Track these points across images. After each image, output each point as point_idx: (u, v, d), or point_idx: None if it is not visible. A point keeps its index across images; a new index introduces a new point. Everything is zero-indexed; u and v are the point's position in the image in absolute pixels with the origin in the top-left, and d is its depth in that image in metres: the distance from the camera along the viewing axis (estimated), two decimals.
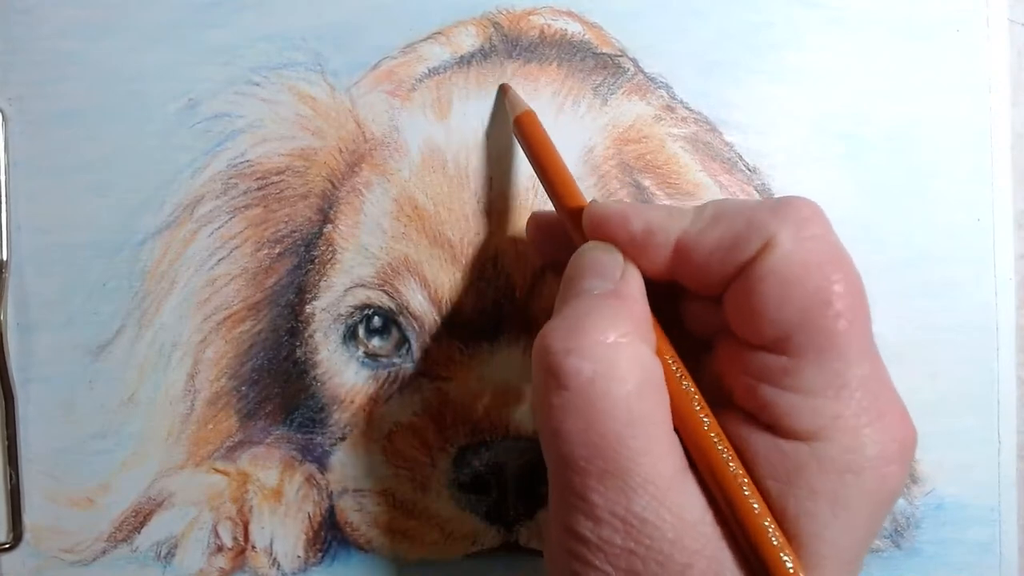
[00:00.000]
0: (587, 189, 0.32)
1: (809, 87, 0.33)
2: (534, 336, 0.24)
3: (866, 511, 0.22)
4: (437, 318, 0.32)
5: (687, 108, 0.32)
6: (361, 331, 0.32)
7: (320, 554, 0.32)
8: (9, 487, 0.31)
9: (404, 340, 0.32)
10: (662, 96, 0.32)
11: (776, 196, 0.33)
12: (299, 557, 0.32)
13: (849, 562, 0.23)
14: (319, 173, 0.31)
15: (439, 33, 0.32)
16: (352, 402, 0.32)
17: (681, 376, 0.24)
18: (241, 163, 0.31)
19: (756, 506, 0.22)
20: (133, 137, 0.31)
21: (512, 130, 0.31)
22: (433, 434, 0.31)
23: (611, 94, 0.32)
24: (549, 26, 0.32)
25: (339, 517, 0.32)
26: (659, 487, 0.22)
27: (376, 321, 0.32)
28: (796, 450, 0.22)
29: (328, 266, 0.31)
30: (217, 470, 0.31)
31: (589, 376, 0.22)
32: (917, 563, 0.33)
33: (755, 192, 0.33)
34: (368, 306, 0.32)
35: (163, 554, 0.31)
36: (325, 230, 0.31)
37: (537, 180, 0.30)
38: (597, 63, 0.32)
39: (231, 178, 0.31)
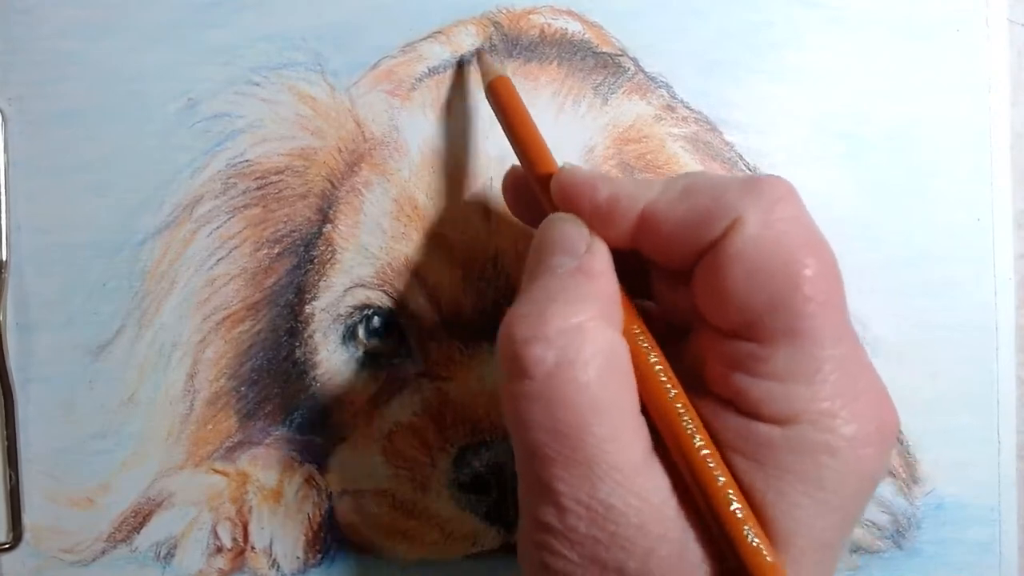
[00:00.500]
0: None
1: (809, 87, 0.33)
2: None
3: (842, 493, 0.22)
4: (437, 318, 0.32)
5: (687, 108, 0.32)
6: (361, 331, 0.32)
7: (320, 555, 0.32)
8: (9, 487, 0.31)
9: (404, 340, 0.32)
10: (662, 96, 0.32)
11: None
12: (298, 558, 0.32)
13: (826, 545, 0.22)
14: (319, 173, 0.31)
15: (439, 32, 0.32)
16: (352, 402, 0.32)
17: (648, 347, 0.24)
18: (241, 163, 0.31)
19: (721, 479, 0.22)
20: (133, 137, 0.31)
21: (486, 96, 0.30)
22: (433, 434, 0.31)
23: (611, 93, 0.32)
24: (549, 25, 0.32)
25: (339, 518, 0.32)
26: (624, 473, 0.22)
27: (376, 321, 0.32)
28: (769, 432, 0.22)
29: (328, 266, 0.31)
30: (217, 470, 0.31)
31: (552, 364, 0.22)
32: (917, 563, 0.33)
33: None
34: (368, 306, 0.32)
35: (163, 554, 0.31)
36: (325, 230, 0.31)
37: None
38: (597, 62, 0.32)
39: (230, 178, 0.31)
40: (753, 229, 0.22)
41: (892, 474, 0.33)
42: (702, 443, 0.22)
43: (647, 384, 0.23)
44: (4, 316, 0.31)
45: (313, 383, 0.32)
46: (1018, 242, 0.33)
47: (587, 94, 0.32)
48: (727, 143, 0.33)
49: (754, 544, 0.21)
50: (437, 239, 0.32)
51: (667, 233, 0.24)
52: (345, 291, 0.31)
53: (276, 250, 0.31)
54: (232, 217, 0.31)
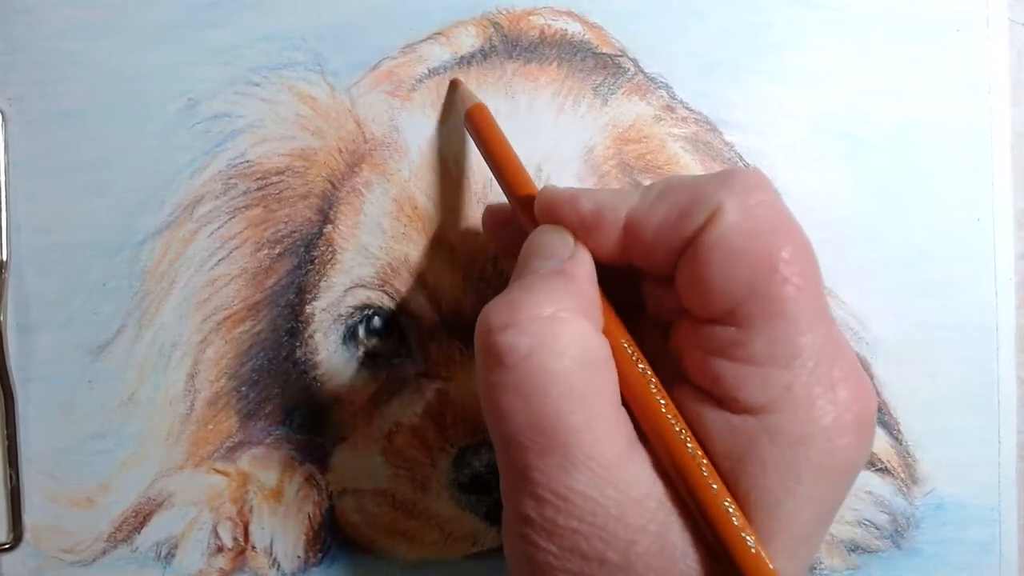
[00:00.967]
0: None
1: (809, 87, 0.33)
2: None
3: (821, 484, 0.22)
4: (437, 318, 0.32)
5: (687, 108, 0.32)
6: (361, 331, 0.32)
7: (320, 554, 0.32)
8: (9, 487, 0.31)
9: (404, 340, 0.32)
10: (662, 96, 0.32)
11: None
12: (299, 557, 0.32)
13: (807, 536, 0.22)
14: (319, 173, 0.31)
15: (439, 33, 0.32)
16: (352, 402, 0.32)
17: (637, 359, 0.24)
18: (241, 163, 0.31)
19: (715, 486, 0.22)
20: (133, 137, 0.31)
21: (464, 124, 0.30)
22: (433, 434, 0.31)
23: (611, 94, 0.32)
24: (549, 26, 0.32)
25: (339, 517, 0.32)
26: (602, 464, 0.22)
27: (376, 321, 0.32)
28: (746, 424, 0.22)
29: (328, 266, 0.31)
30: (217, 470, 0.31)
31: (526, 351, 0.22)
32: (917, 563, 0.33)
33: None
34: (368, 306, 0.32)
35: (163, 554, 0.31)
36: (325, 230, 0.31)
37: (538, 178, 0.30)
38: (597, 63, 0.32)
39: (231, 178, 0.31)
40: (732, 217, 0.23)
41: (892, 474, 0.33)
42: (695, 451, 0.22)
43: (636, 393, 0.23)
44: (4, 316, 0.31)
45: (313, 383, 0.32)
46: (1018, 242, 0.33)
47: (587, 95, 0.32)
48: (727, 143, 0.33)
49: (754, 551, 0.21)
50: (437, 239, 0.32)
51: (651, 235, 0.24)
52: (345, 291, 0.32)
53: (277, 250, 0.31)
54: (233, 217, 0.31)
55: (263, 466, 0.31)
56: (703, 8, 0.32)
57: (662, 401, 0.23)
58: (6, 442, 0.31)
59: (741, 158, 0.33)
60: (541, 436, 0.22)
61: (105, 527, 0.31)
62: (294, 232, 0.31)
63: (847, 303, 0.33)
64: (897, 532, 0.33)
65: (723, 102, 0.33)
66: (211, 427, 0.31)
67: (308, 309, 0.31)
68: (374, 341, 0.32)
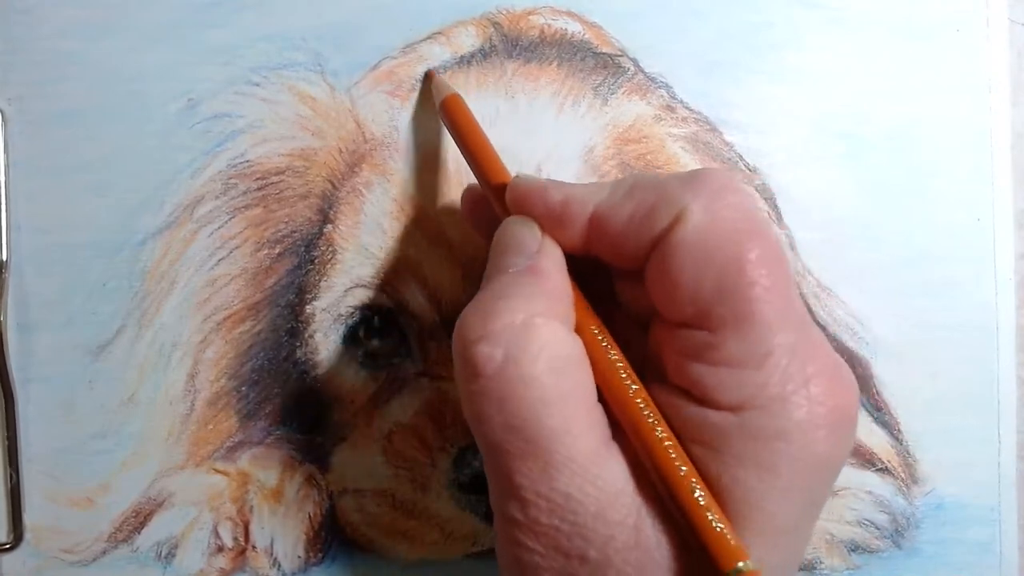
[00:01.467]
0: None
1: (809, 87, 0.33)
2: None
3: (798, 477, 0.22)
4: (437, 318, 0.32)
5: (687, 108, 0.32)
6: (361, 331, 0.32)
7: (320, 554, 0.32)
8: (9, 487, 0.31)
9: (404, 340, 0.32)
10: (662, 96, 0.32)
11: (773, 191, 0.33)
12: (299, 557, 0.32)
13: (787, 530, 0.22)
14: (319, 173, 0.31)
15: (439, 33, 0.32)
16: (352, 402, 0.32)
17: (608, 346, 0.24)
18: (241, 163, 0.31)
19: (684, 468, 0.22)
20: (133, 137, 0.31)
21: (438, 114, 0.31)
22: (433, 434, 0.31)
23: (611, 94, 0.32)
24: (549, 26, 0.32)
25: (339, 517, 0.32)
26: (580, 463, 0.22)
27: (376, 321, 0.32)
28: (724, 420, 0.22)
29: (328, 266, 0.31)
30: (217, 470, 0.31)
31: (500, 361, 0.22)
32: (917, 563, 0.33)
33: (756, 192, 0.33)
34: (368, 306, 0.32)
35: (163, 554, 0.31)
36: (325, 230, 0.31)
37: (534, 174, 0.30)
38: (597, 63, 0.32)
39: (231, 178, 0.31)
40: (697, 219, 0.23)
41: (892, 474, 0.33)
42: (664, 435, 0.23)
43: (607, 380, 0.24)
44: (4, 316, 0.31)
45: (313, 383, 0.32)
46: (1018, 242, 0.33)
47: (587, 94, 0.32)
48: (727, 143, 0.33)
49: (718, 529, 0.21)
50: (437, 239, 0.32)
51: (617, 231, 0.24)
52: (346, 291, 0.32)
53: (277, 250, 0.31)
54: (233, 217, 0.31)
55: (263, 466, 0.31)
56: (703, 8, 0.32)
57: (632, 386, 0.23)
58: (6, 442, 0.31)
59: (741, 158, 0.33)
60: (521, 440, 0.22)
61: (105, 527, 0.31)
62: (294, 232, 0.31)
63: (847, 303, 0.33)
64: (897, 532, 0.33)
65: (723, 102, 0.33)
66: (211, 427, 0.31)
67: (308, 309, 0.31)
68: (374, 341, 0.32)
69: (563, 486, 0.22)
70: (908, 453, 0.33)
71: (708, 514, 0.21)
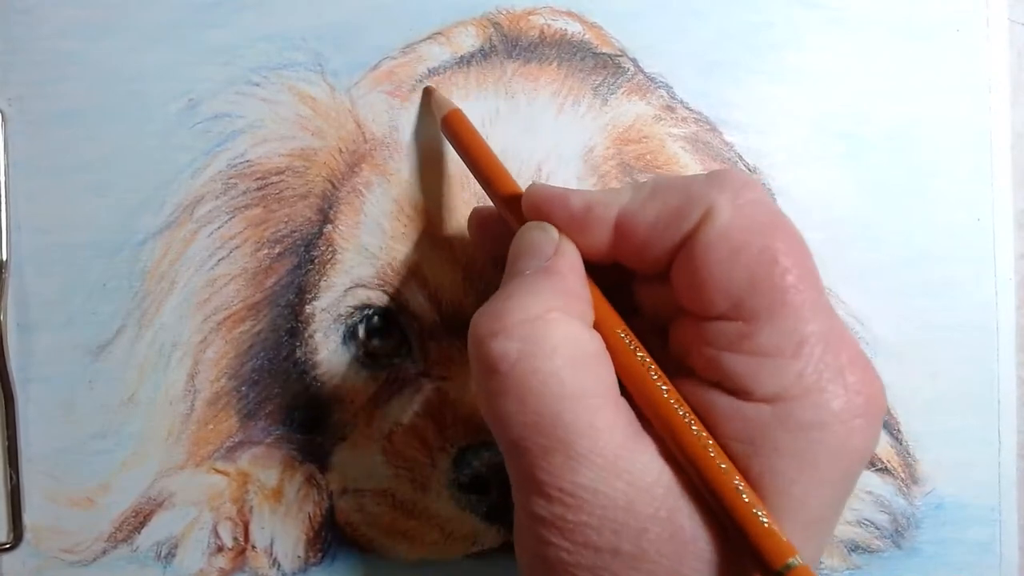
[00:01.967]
0: (587, 188, 0.32)
1: (809, 87, 0.33)
2: None
3: (834, 468, 0.22)
4: (437, 318, 0.32)
5: (687, 108, 0.33)
6: (361, 331, 0.32)
7: (320, 554, 0.32)
8: (9, 487, 0.31)
9: (404, 340, 0.32)
10: (662, 96, 0.32)
11: (773, 191, 0.33)
12: (299, 557, 0.32)
13: (819, 520, 0.22)
14: (319, 173, 0.31)
15: (439, 33, 0.32)
16: (352, 402, 0.32)
17: (635, 348, 0.24)
18: (241, 163, 0.31)
19: (724, 466, 0.22)
20: (133, 137, 0.31)
21: (440, 130, 0.31)
22: (433, 434, 0.31)
23: (611, 94, 0.32)
24: (549, 26, 0.32)
25: (339, 517, 0.32)
26: (606, 457, 0.22)
27: (376, 321, 0.32)
28: (759, 412, 0.22)
29: (328, 266, 0.31)
30: (217, 470, 0.31)
31: (516, 356, 0.22)
32: (917, 563, 0.33)
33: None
34: (368, 306, 0.32)
35: (163, 554, 0.31)
36: (325, 230, 0.31)
37: (538, 177, 0.30)
38: (597, 63, 0.32)
39: (231, 178, 0.31)
40: (725, 216, 0.23)
41: (892, 474, 0.33)
42: (701, 433, 0.22)
43: (638, 382, 0.24)
44: (4, 316, 0.31)
45: (314, 383, 0.32)
46: (1018, 242, 0.33)
47: (587, 94, 0.32)
48: (727, 143, 0.33)
49: (766, 525, 0.21)
50: (437, 239, 0.32)
51: (644, 233, 0.24)
52: (346, 291, 0.32)
53: (277, 250, 0.31)
54: (233, 217, 0.31)
55: (263, 466, 0.31)
56: (703, 8, 0.32)
57: (664, 387, 0.23)
58: (6, 442, 0.31)
59: (741, 158, 0.33)
60: (542, 436, 0.22)
61: (105, 527, 0.31)
62: (294, 232, 0.31)
63: (847, 303, 0.33)
64: (897, 532, 0.33)
65: (723, 102, 0.33)
66: (211, 427, 0.31)
67: (308, 309, 0.31)
68: (374, 341, 0.32)
69: (588, 480, 0.22)
70: (908, 453, 0.33)
71: (755, 511, 0.21)
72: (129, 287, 0.31)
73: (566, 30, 0.32)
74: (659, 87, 0.32)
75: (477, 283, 0.32)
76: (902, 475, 0.33)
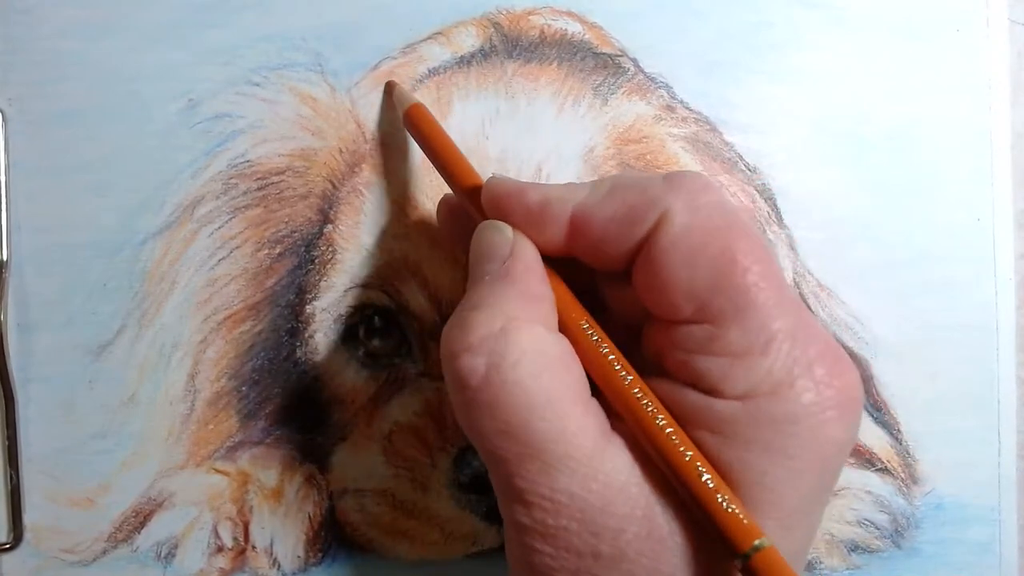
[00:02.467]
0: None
1: (809, 87, 0.33)
2: None
3: (809, 459, 0.22)
4: (437, 318, 0.32)
5: (687, 108, 0.33)
6: (361, 331, 0.32)
7: (320, 554, 0.32)
8: (9, 487, 0.31)
9: (404, 340, 0.32)
10: (662, 96, 0.32)
11: (773, 191, 0.33)
12: (299, 557, 0.32)
13: (798, 512, 0.23)
14: (319, 173, 0.31)
15: (439, 33, 0.32)
16: (352, 402, 0.32)
17: (598, 340, 0.24)
18: (241, 163, 0.31)
19: (689, 453, 0.22)
20: (133, 137, 0.31)
21: (403, 124, 0.31)
22: (433, 434, 0.31)
23: (611, 94, 0.32)
24: (549, 26, 0.32)
25: (339, 517, 0.32)
26: (579, 460, 0.22)
27: (376, 321, 0.32)
28: (731, 408, 0.22)
29: (328, 266, 0.31)
30: (217, 470, 0.31)
31: (483, 371, 0.23)
32: (917, 563, 0.33)
33: (756, 192, 0.33)
34: (368, 306, 0.32)
35: (163, 554, 0.31)
36: (325, 230, 0.31)
37: (538, 177, 0.30)
38: (597, 63, 0.32)
39: (231, 178, 0.31)
40: (682, 218, 0.23)
41: (892, 474, 0.33)
42: (664, 422, 0.23)
43: (602, 374, 0.24)
44: (4, 316, 0.31)
45: (314, 383, 0.32)
46: (1018, 242, 0.33)
47: (587, 94, 0.32)
48: (727, 143, 0.33)
49: (730, 511, 0.21)
50: (437, 239, 0.32)
51: (598, 232, 0.24)
52: (346, 291, 0.32)
53: (277, 250, 0.31)
54: (233, 217, 0.31)
55: (263, 466, 0.31)
56: (703, 8, 0.32)
57: (628, 377, 0.23)
58: (6, 442, 0.31)
59: (741, 158, 0.33)
60: (516, 445, 0.22)
61: (105, 527, 0.31)
62: (294, 232, 0.31)
63: (847, 303, 0.33)
64: (897, 532, 0.33)
65: (723, 102, 0.33)
66: (211, 427, 0.31)
67: (308, 309, 0.31)
68: (374, 341, 0.32)
69: (565, 485, 0.22)
70: (908, 453, 0.33)
71: (718, 496, 0.21)
72: (129, 287, 0.31)
73: (566, 30, 0.32)
74: (659, 87, 0.32)
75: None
76: (902, 475, 0.33)
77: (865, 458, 0.33)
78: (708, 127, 0.33)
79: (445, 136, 0.29)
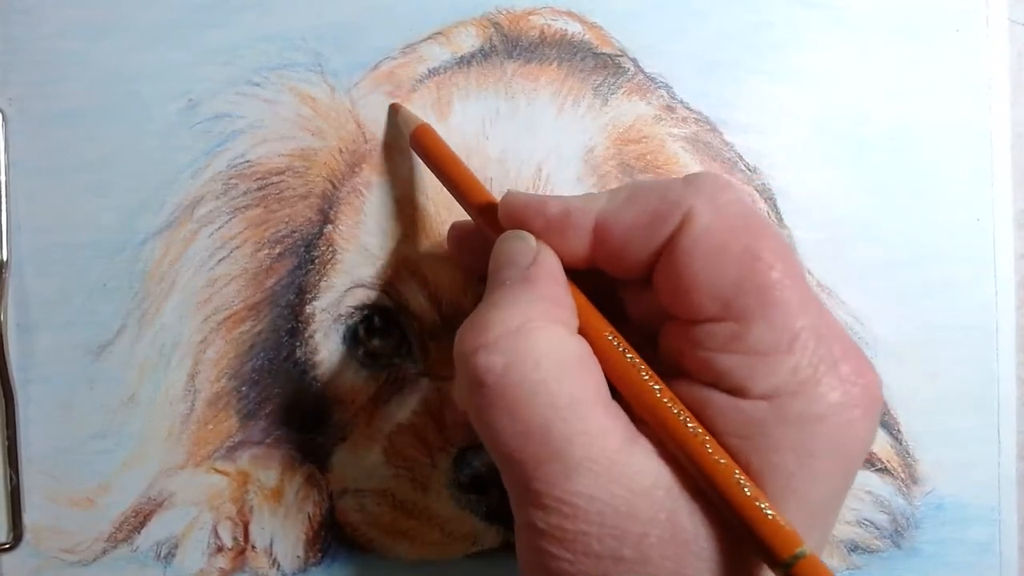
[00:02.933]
0: (587, 189, 0.32)
1: (809, 87, 0.33)
2: None
3: (834, 459, 0.22)
4: (437, 318, 0.32)
5: (687, 108, 0.33)
6: (361, 331, 0.32)
7: (320, 554, 0.32)
8: (9, 487, 0.31)
9: (404, 340, 0.32)
10: (662, 96, 0.32)
11: (773, 191, 0.33)
12: (299, 557, 0.32)
13: (820, 512, 0.23)
14: (319, 173, 0.31)
15: (439, 33, 0.32)
16: (352, 402, 0.32)
17: (624, 349, 0.24)
18: (241, 163, 0.31)
19: (723, 460, 0.22)
20: (133, 137, 0.31)
21: (410, 145, 0.31)
22: (433, 434, 0.31)
23: (611, 94, 0.32)
24: (549, 26, 0.32)
25: (339, 517, 0.32)
26: (601, 463, 0.22)
27: (376, 321, 0.32)
28: (756, 408, 0.22)
29: (328, 266, 0.31)
30: (217, 470, 0.31)
31: (501, 369, 0.22)
32: (917, 563, 0.33)
33: (755, 192, 0.33)
34: (368, 306, 0.32)
35: (163, 554, 0.31)
36: (325, 230, 0.31)
37: (538, 178, 0.30)
38: (597, 63, 0.32)
39: (231, 178, 0.31)
40: (705, 218, 0.23)
41: (892, 474, 0.33)
42: (697, 429, 0.22)
43: (630, 383, 0.24)
44: (4, 316, 0.31)
45: (314, 383, 0.32)
46: (1018, 242, 0.33)
47: (587, 95, 0.32)
48: (727, 143, 0.33)
49: (771, 517, 0.21)
50: (437, 239, 0.32)
51: (622, 238, 0.24)
52: (346, 291, 0.32)
53: (277, 250, 0.31)
54: (233, 217, 0.31)
55: (263, 466, 0.31)
56: (703, 8, 0.32)
57: (656, 386, 0.23)
58: (6, 442, 0.31)
59: (741, 158, 0.33)
60: (534, 447, 0.22)
61: (105, 527, 0.31)
62: (294, 232, 0.31)
63: (847, 303, 0.33)
64: (897, 532, 0.33)
65: (723, 102, 0.33)
66: (211, 427, 0.31)
67: (308, 309, 0.31)
68: (374, 341, 0.32)
69: (584, 488, 0.22)
70: (908, 453, 0.33)
71: (758, 503, 0.21)
72: (129, 287, 0.31)
73: (566, 30, 0.32)
74: (659, 87, 0.32)
75: (477, 283, 0.32)
76: (902, 475, 0.33)
77: (865, 458, 0.33)
78: (708, 127, 0.33)
79: (453, 155, 0.29)
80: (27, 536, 0.31)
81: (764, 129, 0.33)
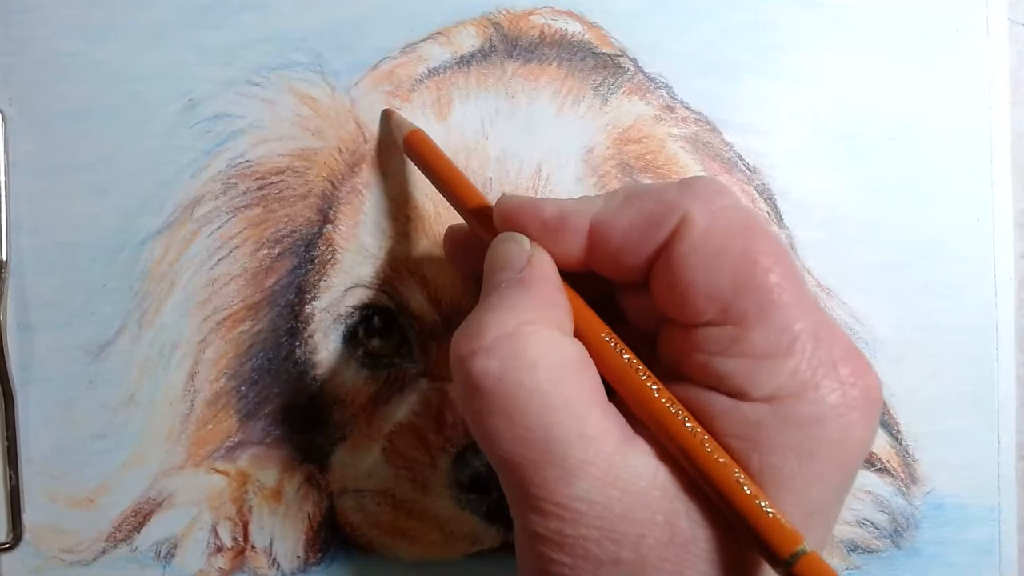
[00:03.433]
0: (587, 189, 0.32)
1: (809, 87, 0.33)
2: None
3: (834, 461, 0.22)
4: (437, 318, 0.32)
5: (687, 108, 0.33)
6: (361, 331, 0.32)
7: (320, 554, 0.32)
8: (9, 487, 0.31)
9: (404, 340, 0.32)
10: (662, 96, 0.32)
11: (773, 191, 0.33)
12: (299, 557, 0.32)
13: (820, 512, 0.23)
14: (319, 173, 0.31)
15: (439, 33, 0.32)
16: (352, 402, 0.32)
17: (621, 350, 0.24)
18: (241, 163, 0.31)
19: (722, 460, 0.22)
20: (133, 137, 0.31)
21: (403, 150, 0.31)
22: (433, 434, 0.31)
23: (611, 94, 0.32)
24: (549, 26, 0.32)
25: (339, 517, 0.32)
26: (598, 466, 0.22)
27: (376, 321, 0.32)
28: (756, 411, 0.22)
29: (328, 266, 0.31)
30: (217, 470, 0.31)
31: (497, 374, 0.22)
32: (917, 563, 0.33)
33: (755, 192, 0.33)
34: (368, 306, 0.32)
35: (163, 554, 0.31)
36: (325, 230, 0.31)
37: (538, 177, 0.30)
38: (597, 63, 0.32)
39: (231, 178, 0.31)
40: (701, 222, 0.23)
41: (892, 474, 0.33)
42: (696, 429, 0.22)
43: (627, 384, 0.23)
44: (4, 316, 0.31)
45: (313, 383, 0.32)
46: (1018, 242, 0.33)
47: (587, 94, 0.32)
48: (727, 143, 0.33)
49: (771, 515, 0.21)
50: (437, 239, 0.32)
51: (618, 241, 0.24)
52: (345, 291, 0.32)
53: (276, 250, 0.31)
54: (233, 217, 0.31)
55: (263, 466, 0.31)
56: (703, 8, 0.32)
57: (654, 387, 0.23)
58: (6, 442, 0.31)
59: (741, 158, 0.33)
60: (532, 451, 0.22)
61: (105, 527, 0.31)
62: (294, 232, 0.31)
63: (847, 303, 0.33)
64: (897, 532, 0.33)
65: (723, 102, 0.33)
66: (211, 427, 0.31)
67: (308, 309, 0.31)
68: (374, 341, 0.32)
69: (584, 492, 0.22)
70: (908, 453, 0.33)
71: (758, 502, 0.21)
72: (129, 287, 0.31)
73: (566, 30, 0.32)
74: (659, 87, 0.32)
75: (477, 283, 0.31)
76: (902, 475, 0.33)
77: (865, 458, 0.33)
78: (708, 127, 0.33)
79: (447, 160, 0.29)
80: (27, 536, 0.31)
81: (764, 129, 0.33)
